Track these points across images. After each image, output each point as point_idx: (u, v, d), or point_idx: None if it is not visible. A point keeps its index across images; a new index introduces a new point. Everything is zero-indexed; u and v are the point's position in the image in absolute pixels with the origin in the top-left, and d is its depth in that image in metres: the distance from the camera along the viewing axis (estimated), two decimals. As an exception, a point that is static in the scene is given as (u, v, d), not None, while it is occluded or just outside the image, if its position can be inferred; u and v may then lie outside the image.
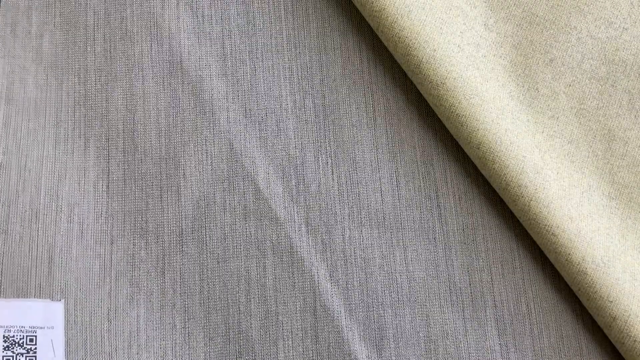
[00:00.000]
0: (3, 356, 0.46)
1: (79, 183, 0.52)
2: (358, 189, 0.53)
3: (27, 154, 0.52)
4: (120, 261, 0.51)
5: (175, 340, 0.50)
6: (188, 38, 0.55)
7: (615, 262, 0.48)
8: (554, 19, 0.54)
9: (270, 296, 0.51)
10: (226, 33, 0.56)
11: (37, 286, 0.50)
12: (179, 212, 0.52)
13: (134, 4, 0.55)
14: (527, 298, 0.52)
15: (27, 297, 0.49)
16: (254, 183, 0.53)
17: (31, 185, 0.51)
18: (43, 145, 0.52)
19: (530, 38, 0.54)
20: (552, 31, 0.54)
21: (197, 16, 0.56)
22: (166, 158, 0.53)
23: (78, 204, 0.52)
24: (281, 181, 0.53)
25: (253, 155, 0.53)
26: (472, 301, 0.52)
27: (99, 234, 0.51)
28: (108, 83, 0.54)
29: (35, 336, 0.47)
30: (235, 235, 0.52)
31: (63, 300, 0.49)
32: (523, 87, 0.53)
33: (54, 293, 0.49)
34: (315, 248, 0.52)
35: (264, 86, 0.55)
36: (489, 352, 0.51)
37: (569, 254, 0.48)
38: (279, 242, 0.52)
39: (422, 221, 0.53)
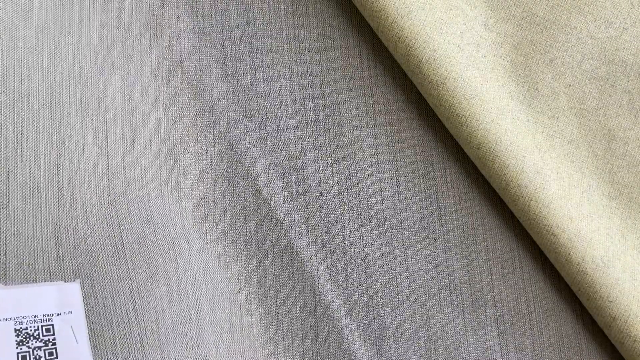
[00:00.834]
0: (18, 353, 0.39)
1: (79, 160, 0.49)
2: (358, 189, 0.53)
3: (23, 121, 0.48)
4: (132, 243, 0.48)
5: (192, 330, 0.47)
6: (188, 38, 0.55)
7: (615, 262, 0.48)
8: (554, 19, 0.54)
9: (270, 296, 0.51)
10: (226, 33, 0.56)
11: (46, 269, 0.45)
12: (179, 212, 0.52)
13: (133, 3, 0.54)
14: (527, 298, 0.52)
15: (36, 282, 0.43)
16: (254, 183, 0.53)
17: (30, 156, 0.48)
18: (38, 114, 0.49)
19: (530, 38, 0.54)
20: (552, 31, 0.54)
21: (197, 16, 0.55)
22: (165, 154, 0.52)
23: (79, 183, 0.49)
24: (281, 181, 0.53)
25: (253, 155, 0.53)
26: (472, 301, 0.52)
27: (104, 217, 0.48)
28: (105, 68, 0.52)
29: (52, 325, 0.40)
30: (235, 235, 0.52)
31: (79, 280, 0.43)
32: (523, 87, 0.53)
33: (66, 276, 0.45)
34: (315, 248, 0.52)
35: (264, 86, 0.55)
36: (489, 352, 0.51)
37: (569, 254, 0.48)
38: (279, 242, 0.52)
39: (422, 221, 0.53)
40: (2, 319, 0.39)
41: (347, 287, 0.51)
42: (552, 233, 0.49)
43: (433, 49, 0.51)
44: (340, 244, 0.52)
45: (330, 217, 0.53)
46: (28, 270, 0.45)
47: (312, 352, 0.50)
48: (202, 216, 0.52)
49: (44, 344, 0.39)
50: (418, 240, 0.52)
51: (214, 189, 0.52)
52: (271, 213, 0.52)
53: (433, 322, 0.51)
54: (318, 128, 0.54)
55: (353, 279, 0.52)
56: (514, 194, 0.50)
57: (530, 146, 0.51)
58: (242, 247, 0.52)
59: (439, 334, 0.51)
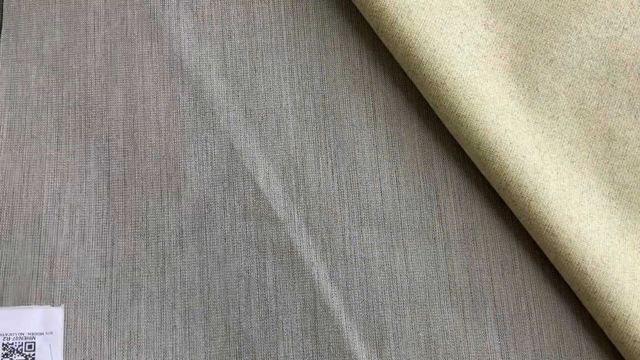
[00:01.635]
0: None
1: (80, 184, 0.52)
2: (358, 189, 0.53)
3: (30, 159, 0.52)
4: (120, 262, 0.51)
5: (175, 340, 0.50)
6: (188, 38, 0.55)
7: (615, 262, 0.48)
8: (554, 19, 0.54)
9: (270, 296, 0.51)
10: (226, 33, 0.56)
11: (38, 292, 0.50)
12: (179, 212, 0.52)
13: (134, 5, 0.56)
14: (527, 298, 0.52)
15: (28, 303, 0.49)
16: (254, 183, 0.53)
17: (34, 190, 0.52)
18: (45, 149, 0.52)
19: (530, 38, 0.53)
20: (552, 31, 0.54)
21: (197, 16, 0.56)
22: (166, 158, 0.53)
23: (79, 206, 0.52)
24: (281, 181, 0.53)
25: (253, 155, 0.53)
26: (472, 301, 0.52)
27: (100, 235, 0.51)
28: (108, 83, 0.54)
29: (34, 342, 0.48)
30: (235, 235, 0.52)
31: (63, 305, 0.49)
32: (523, 87, 0.53)
33: (54, 298, 0.50)
34: (315, 248, 0.52)
35: (264, 86, 0.55)
36: (489, 352, 0.51)
37: (569, 254, 0.48)
38: (279, 242, 0.52)
39: (422, 221, 0.53)
40: None
41: (347, 287, 0.51)
42: (552, 233, 0.49)
43: (433, 49, 0.51)
44: (340, 244, 0.52)
45: (330, 217, 0.53)
46: (23, 292, 0.50)
47: (312, 352, 0.50)
48: (202, 217, 0.52)
49: (24, 358, 0.48)
50: (418, 240, 0.52)
51: (214, 189, 0.52)
52: (271, 213, 0.52)
53: (433, 322, 0.51)
54: (318, 128, 0.54)
55: (353, 279, 0.52)
56: (514, 194, 0.50)
57: (530, 146, 0.51)
58: (242, 247, 0.52)
59: (439, 334, 0.51)
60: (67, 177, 0.52)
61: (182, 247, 0.51)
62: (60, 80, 0.54)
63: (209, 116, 0.54)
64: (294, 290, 0.51)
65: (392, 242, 0.52)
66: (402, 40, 0.51)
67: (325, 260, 0.52)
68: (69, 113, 0.53)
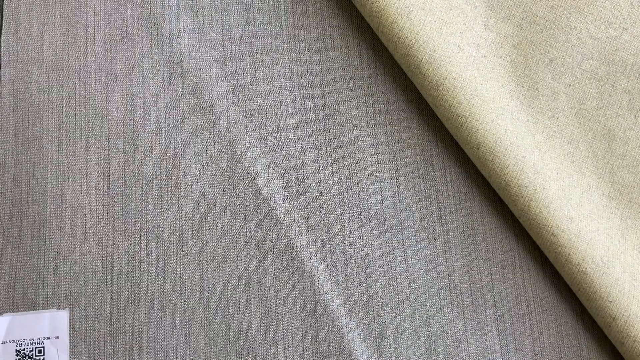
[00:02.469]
0: None
1: (81, 185, 0.52)
2: (358, 189, 0.53)
3: (35, 162, 0.52)
4: (121, 262, 0.51)
5: (175, 340, 0.50)
6: (188, 38, 0.55)
7: (615, 263, 0.48)
8: (554, 19, 0.54)
9: (270, 296, 0.51)
10: (226, 33, 0.56)
11: (45, 296, 0.50)
12: (179, 212, 0.52)
13: (134, 5, 0.56)
14: (527, 298, 0.52)
15: (36, 308, 0.50)
16: (254, 183, 0.53)
17: (39, 193, 0.52)
18: (47, 150, 0.53)
19: (530, 38, 0.53)
20: (552, 31, 0.54)
21: (197, 16, 0.56)
22: (166, 158, 0.53)
23: (80, 207, 0.52)
24: (281, 181, 0.53)
25: (253, 155, 0.53)
26: (472, 301, 0.52)
27: (101, 236, 0.51)
28: (108, 83, 0.54)
29: (43, 347, 0.49)
30: (235, 235, 0.52)
31: (67, 309, 0.50)
32: (523, 87, 0.53)
33: (59, 301, 0.50)
34: (315, 248, 0.52)
35: (264, 86, 0.55)
36: (489, 352, 0.51)
37: (569, 254, 0.48)
38: (279, 242, 0.52)
39: (422, 221, 0.53)
40: (7, 342, 0.49)
41: (347, 287, 0.51)
42: (552, 233, 0.49)
43: (433, 49, 0.51)
44: (340, 244, 0.52)
45: (330, 217, 0.53)
46: (31, 297, 0.50)
47: (312, 352, 0.50)
48: (202, 217, 0.52)
49: None
50: (418, 240, 0.52)
51: (214, 189, 0.52)
52: (271, 213, 0.52)
53: (433, 322, 0.51)
54: (318, 128, 0.54)
55: (353, 279, 0.52)
56: (514, 194, 0.50)
57: (530, 146, 0.51)
58: (242, 247, 0.52)
59: (439, 334, 0.51)
60: (69, 179, 0.52)
61: (182, 247, 0.51)
62: (60, 80, 0.54)
63: (209, 116, 0.54)
64: (294, 290, 0.51)
65: (392, 242, 0.52)
66: (402, 41, 0.51)
67: (325, 260, 0.52)
68: (69, 113, 0.53)
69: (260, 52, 0.55)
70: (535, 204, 0.49)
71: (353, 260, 0.52)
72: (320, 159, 0.54)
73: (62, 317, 0.50)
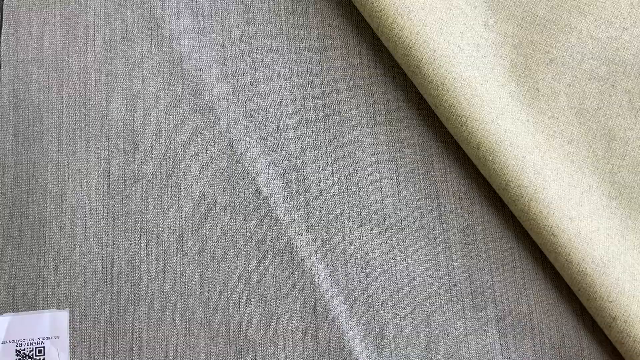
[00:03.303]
0: None
1: (81, 185, 0.52)
2: (358, 189, 0.53)
3: (35, 162, 0.52)
4: (121, 262, 0.51)
5: (175, 340, 0.50)
6: (188, 38, 0.55)
7: (615, 263, 0.48)
8: (554, 19, 0.54)
9: (270, 296, 0.51)
10: (226, 33, 0.56)
11: (45, 296, 0.50)
12: (179, 212, 0.52)
13: (134, 5, 0.56)
14: (527, 298, 0.52)
15: (36, 308, 0.50)
16: (254, 183, 0.53)
17: (39, 193, 0.52)
18: (47, 150, 0.53)
19: (530, 38, 0.54)
20: (552, 31, 0.54)
21: (197, 16, 0.56)
22: (166, 158, 0.53)
23: (80, 207, 0.52)
24: (281, 181, 0.53)
25: (253, 155, 0.53)
26: (473, 301, 0.52)
27: (101, 236, 0.51)
28: (108, 83, 0.54)
29: (44, 347, 0.49)
30: (235, 235, 0.52)
31: (68, 309, 0.50)
32: (523, 87, 0.53)
33: (60, 301, 0.50)
34: (315, 248, 0.52)
35: (264, 86, 0.55)
36: (490, 352, 0.51)
37: (569, 254, 0.48)
38: (279, 242, 0.52)
39: (422, 221, 0.53)
40: (7, 342, 0.49)
41: (347, 287, 0.51)
42: (552, 233, 0.49)
43: (433, 49, 0.51)
44: (340, 244, 0.52)
45: (330, 217, 0.53)
46: (31, 297, 0.50)
47: (312, 352, 0.50)
48: (202, 217, 0.52)
49: None
50: (418, 240, 0.52)
51: (214, 189, 0.52)
52: (271, 213, 0.52)
53: (433, 322, 0.51)
54: (318, 128, 0.54)
55: (353, 279, 0.52)
56: (514, 194, 0.50)
57: (530, 146, 0.51)
58: (242, 247, 0.52)
59: (439, 334, 0.51)
60: (69, 178, 0.52)
61: (182, 247, 0.51)
62: (60, 80, 0.54)
63: (209, 116, 0.54)
64: (294, 290, 0.51)
65: (392, 242, 0.52)
66: (402, 41, 0.51)
67: (325, 260, 0.52)
68: (69, 113, 0.53)
69: (260, 52, 0.55)
70: (535, 204, 0.49)
71: (353, 260, 0.52)
72: (320, 159, 0.54)
73: (62, 317, 0.50)
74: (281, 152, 0.54)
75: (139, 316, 0.50)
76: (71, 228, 0.51)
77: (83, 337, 0.50)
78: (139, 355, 0.49)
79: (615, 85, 0.53)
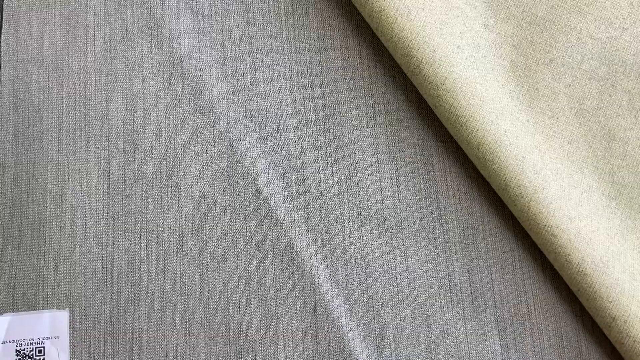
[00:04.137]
0: None
1: (81, 185, 0.52)
2: (358, 189, 0.53)
3: (35, 162, 0.52)
4: (121, 262, 0.51)
5: (175, 340, 0.50)
6: (188, 38, 0.55)
7: (614, 263, 0.48)
8: (554, 19, 0.54)
9: (270, 296, 0.51)
10: (226, 33, 0.56)
11: (45, 296, 0.50)
12: (179, 212, 0.52)
13: (134, 5, 0.56)
14: (527, 298, 0.52)
15: (36, 308, 0.50)
16: (254, 183, 0.53)
17: (39, 193, 0.52)
18: (48, 150, 0.53)
19: (530, 38, 0.53)
20: (552, 31, 0.53)
21: (197, 16, 0.56)
22: (166, 158, 0.53)
23: (80, 207, 0.52)
24: (281, 181, 0.53)
25: (253, 155, 0.53)
26: (472, 301, 0.52)
27: (101, 236, 0.51)
28: (108, 83, 0.54)
29: (44, 347, 0.49)
30: (235, 235, 0.52)
31: (68, 309, 0.50)
32: (523, 87, 0.53)
33: (60, 301, 0.50)
34: (315, 248, 0.52)
35: (264, 86, 0.55)
36: (490, 352, 0.51)
37: (569, 255, 0.48)
38: (279, 242, 0.52)
39: (422, 221, 0.53)
40: (7, 342, 0.49)
41: (347, 287, 0.51)
42: (552, 233, 0.49)
43: (433, 50, 0.51)
44: (340, 244, 0.52)
45: (330, 217, 0.53)
46: (31, 297, 0.50)
47: (312, 352, 0.50)
48: (202, 217, 0.52)
49: None
50: (418, 240, 0.52)
51: (214, 189, 0.52)
52: (271, 213, 0.52)
53: (433, 322, 0.51)
54: (318, 128, 0.54)
55: (353, 279, 0.52)
56: (513, 194, 0.50)
57: (530, 146, 0.51)
58: (242, 247, 0.52)
59: (439, 334, 0.51)
60: (69, 178, 0.52)
61: (182, 247, 0.51)
62: (60, 80, 0.54)
63: (209, 116, 0.54)
64: (294, 290, 0.51)
65: (392, 242, 0.52)
66: (401, 41, 0.51)
67: (325, 260, 0.52)
68: (69, 113, 0.53)
69: (260, 52, 0.55)
70: (535, 204, 0.49)
71: (353, 260, 0.52)
72: (320, 159, 0.54)
73: (62, 317, 0.50)
74: (281, 152, 0.54)
75: (139, 316, 0.50)
76: (71, 228, 0.51)
77: (83, 337, 0.50)
78: (139, 355, 0.49)
79: (615, 85, 0.53)
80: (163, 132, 0.53)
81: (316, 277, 0.51)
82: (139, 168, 0.53)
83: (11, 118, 0.53)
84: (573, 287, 0.49)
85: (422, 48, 0.50)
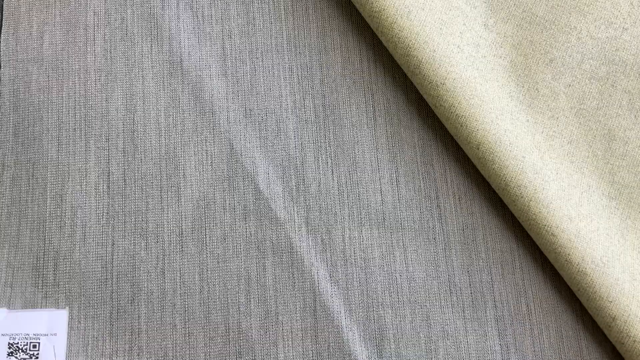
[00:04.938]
0: None
1: (81, 185, 0.52)
2: (358, 189, 0.53)
3: (35, 162, 0.52)
4: (121, 262, 0.51)
5: (175, 340, 0.50)
6: (188, 38, 0.55)
7: (614, 262, 0.48)
8: (554, 19, 0.54)
9: (270, 296, 0.51)
10: (226, 33, 0.56)
11: (43, 295, 0.50)
12: (179, 212, 0.52)
13: (134, 5, 0.56)
14: (527, 298, 0.52)
15: (34, 306, 0.50)
16: (254, 183, 0.53)
17: (39, 193, 0.52)
18: (47, 150, 0.53)
19: (530, 38, 0.53)
20: (552, 31, 0.53)
21: (197, 16, 0.56)
22: (166, 158, 0.53)
23: (80, 207, 0.52)
24: (281, 181, 0.53)
25: (253, 155, 0.53)
26: (472, 301, 0.52)
27: (101, 236, 0.51)
28: (108, 83, 0.54)
29: (39, 342, 0.49)
30: (235, 235, 0.52)
31: (67, 308, 0.50)
32: (523, 87, 0.53)
33: (59, 301, 0.50)
34: (315, 248, 0.52)
35: (264, 86, 0.55)
36: (489, 352, 0.51)
37: (569, 254, 0.48)
38: (279, 242, 0.52)
39: (422, 221, 0.53)
40: (1, 335, 0.49)
41: (347, 287, 0.51)
42: (552, 233, 0.49)
43: (433, 50, 0.51)
44: (340, 244, 0.52)
45: (330, 217, 0.53)
46: (31, 297, 0.50)
47: (312, 352, 0.50)
48: (202, 217, 0.52)
49: (28, 357, 0.49)
50: (418, 240, 0.52)
51: (213, 189, 0.52)
52: (271, 213, 0.52)
53: (433, 322, 0.51)
54: (318, 128, 0.54)
55: (353, 279, 0.52)
56: (513, 194, 0.50)
57: (530, 146, 0.51)
58: (241, 247, 0.52)
59: (439, 334, 0.51)
60: (68, 178, 0.52)
61: (182, 247, 0.51)
62: (60, 80, 0.54)
63: (209, 116, 0.54)
64: (293, 290, 0.51)
65: (392, 242, 0.52)
66: (401, 41, 0.51)
67: (325, 260, 0.52)
68: (69, 113, 0.53)
69: (260, 52, 0.55)
70: (535, 204, 0.49)
71: (353, 260, 0.52)
72: (320, 159, 0.54)
73: (60, 315, 0.50)
74: (281, 152, 0.54)
75: (139, 316, 0.50)
76: (71, 228, 0.51)
77: (82, 336, 0.50)
78: (138, 355, 0.49)
79: (615, 85, 0.53)
80: (163, 132, 0.53)
81: (316, 277, 0.51)
82: (138, 168, 0.53)
83: (11, 118, 0.53)
84: (573, 287, 0.49)
85: (422, 48, 0.51)
